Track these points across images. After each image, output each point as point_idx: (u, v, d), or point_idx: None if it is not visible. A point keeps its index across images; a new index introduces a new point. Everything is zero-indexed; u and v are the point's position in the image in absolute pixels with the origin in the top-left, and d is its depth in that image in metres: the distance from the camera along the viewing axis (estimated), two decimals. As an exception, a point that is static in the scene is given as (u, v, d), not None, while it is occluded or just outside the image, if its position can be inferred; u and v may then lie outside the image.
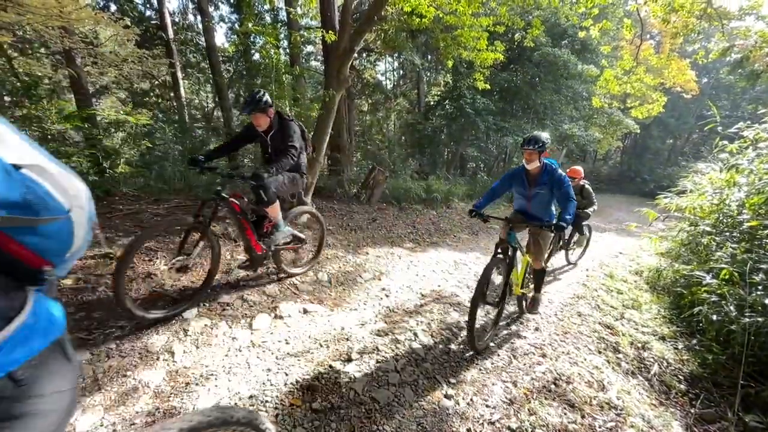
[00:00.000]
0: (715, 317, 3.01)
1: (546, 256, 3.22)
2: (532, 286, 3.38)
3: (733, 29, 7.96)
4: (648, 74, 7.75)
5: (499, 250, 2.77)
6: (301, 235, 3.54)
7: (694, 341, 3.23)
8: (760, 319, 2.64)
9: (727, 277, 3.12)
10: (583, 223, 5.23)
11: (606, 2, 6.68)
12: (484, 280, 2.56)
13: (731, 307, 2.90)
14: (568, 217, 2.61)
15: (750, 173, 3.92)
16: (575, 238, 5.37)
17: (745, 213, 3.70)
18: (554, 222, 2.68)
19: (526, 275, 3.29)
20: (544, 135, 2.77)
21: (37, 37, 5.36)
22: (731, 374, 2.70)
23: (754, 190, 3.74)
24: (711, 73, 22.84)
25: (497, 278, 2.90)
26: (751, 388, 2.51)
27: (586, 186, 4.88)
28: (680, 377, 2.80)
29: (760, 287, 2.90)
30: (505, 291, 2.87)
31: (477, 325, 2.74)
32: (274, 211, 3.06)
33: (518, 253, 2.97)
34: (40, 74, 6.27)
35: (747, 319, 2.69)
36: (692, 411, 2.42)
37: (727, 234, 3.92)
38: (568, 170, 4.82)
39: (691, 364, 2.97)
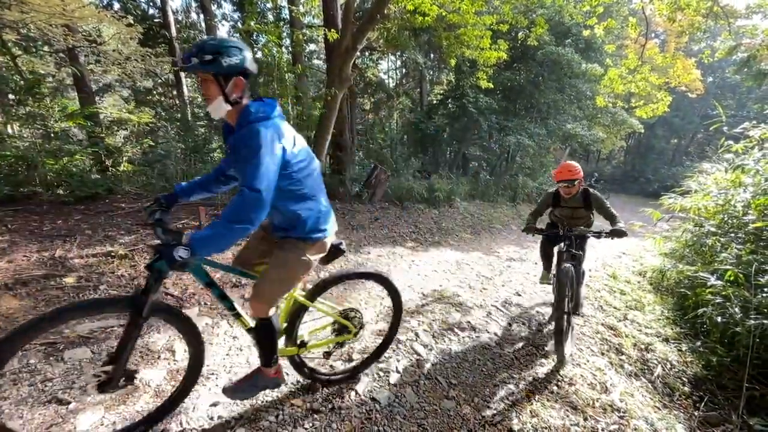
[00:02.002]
0: (719, 319, 2.97)
1: (280, 294, 1.66)
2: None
3: (740, 28, 7.88)
4: (653, 73, 7.66)
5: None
6: None
7: (699, 343, 3.19)
8: (765, 321, 2.60)
9: (732, 278, 3.08)
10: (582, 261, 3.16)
11: (611, 1, 6.62)
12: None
13: (736, 309, 2.86)
14: (209, 232, 1.28)
15: (756, 173, 3.87)
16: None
17: (750, 214, 3.66)
18: (189, 238, 1.29)
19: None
20: (232, 42, 1.37)
21: (40, 35, 5.37)
22: (736, 377, 2.67)
23: (760, 191, 3.69)
24: (716, 72, 22.65)
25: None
26: (756, 390, 2.48)
27: (593, 192, 3.07)
28: (684, 379, 2.77)
29: (765, 289, 2.86)
30: (196, 367, 1.68)
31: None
32: None
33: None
34: (43, 72, 6.29)
35: (752, 321, 2.65)
36: (696, 414, 2.39)
37: (732, 235, 3.87)
38: (556, 169, 3.09)
39: (695, 367, 2.94)
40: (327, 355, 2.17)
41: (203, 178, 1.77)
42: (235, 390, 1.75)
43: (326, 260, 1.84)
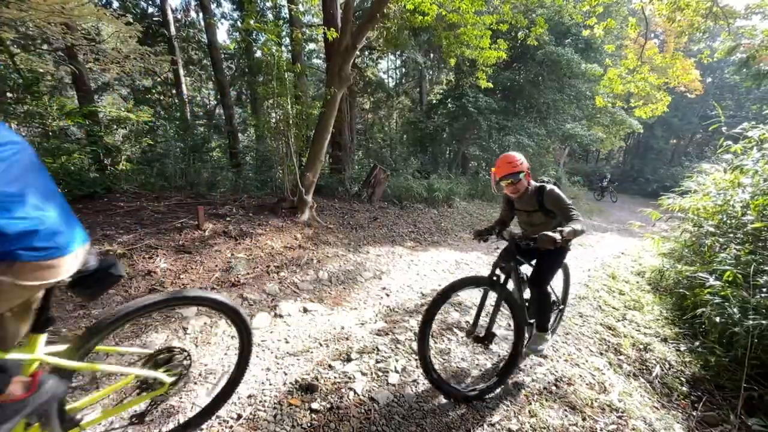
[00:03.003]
0: (718, 319, 2.97)
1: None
2: None
3: (739, 28, 7.88)
4: (652, 73, 7.67)
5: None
6: None
7: (697, 343, 3.20)
8: (763, 321, 2.61)
9: (730, 278, 3.09)
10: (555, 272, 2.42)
11: (610, 0, 6.63)
12: None
13: (734, 310, 2.87)
14: None
15: (755, 174, 3.87)
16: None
17: (749, 214, 3.66)
18: None
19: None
20: None
21: (39, 33, 5.35)
22: (734, 377, 2.68)
23: (759, 191, 3.69)
24: (716, 73, 22.72)
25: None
26: (754, 391, 2.48)
27: (549, 189, 2.26)
28: (682, 380, 2.77)
29: (764, 289, 2.86)
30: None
31: None
32: None
33: None
34: (42, 71, 6.26)
35: (750, 322, 2.66)
36: (694, 414, 2.40)
37: (731, 235, 3.87)
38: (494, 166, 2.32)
39: (694, 367, 2.94)
40: (140, 418, 1.56)
41: None
42: None
43: (90, 294, 1.28)
